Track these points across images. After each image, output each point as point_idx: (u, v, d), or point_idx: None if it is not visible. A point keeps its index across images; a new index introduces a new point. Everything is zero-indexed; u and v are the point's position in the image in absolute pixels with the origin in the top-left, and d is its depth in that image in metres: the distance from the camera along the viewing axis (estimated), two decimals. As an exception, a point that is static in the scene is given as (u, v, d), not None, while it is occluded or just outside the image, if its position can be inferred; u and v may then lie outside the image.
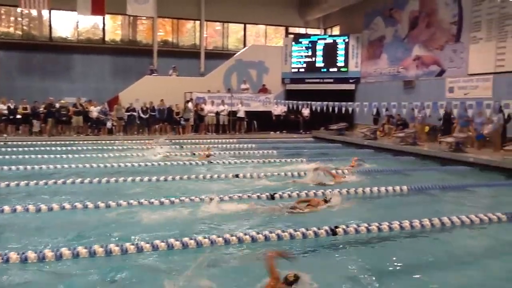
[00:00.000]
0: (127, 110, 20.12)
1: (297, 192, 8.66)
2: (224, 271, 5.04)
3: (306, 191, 8.71)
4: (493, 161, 12.36)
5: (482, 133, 14.45)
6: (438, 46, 18.44)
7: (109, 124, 19.94)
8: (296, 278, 4.21)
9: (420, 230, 6.59)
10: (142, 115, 20.19)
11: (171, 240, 5.69)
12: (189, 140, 18.62)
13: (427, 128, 17.60)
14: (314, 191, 8.77)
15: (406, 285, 4.75)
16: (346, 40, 23.73)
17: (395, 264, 5.33)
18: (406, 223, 6.64)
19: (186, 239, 5.75)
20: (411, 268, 5.17)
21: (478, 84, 16.35)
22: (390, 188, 9.24)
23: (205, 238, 5.81)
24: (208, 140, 18.55)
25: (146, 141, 17.11)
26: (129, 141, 17.64)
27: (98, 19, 23.97)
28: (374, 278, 4.85)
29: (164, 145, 15.92)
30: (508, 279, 4.91)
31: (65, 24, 24.40)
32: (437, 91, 18.01)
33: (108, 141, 17.72)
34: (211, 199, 7.69)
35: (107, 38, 24.95)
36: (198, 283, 4.43)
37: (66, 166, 11.56)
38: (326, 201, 7.66)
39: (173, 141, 17.92)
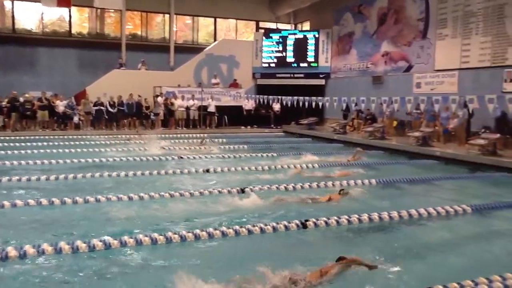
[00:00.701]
0: (95, 105, 19.70)
1: (268, 186, 8.65)
2: (194, 267, 4.99)
3: (284, 185, 8.72)
4: (458, 154, 12.69)
5: (448, 128, 14.81)
6: (405, 42, 18.77)
7: (76, 119, 19.47)
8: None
9: (388, 222, 6.70)
10: (110, 109, 19.80)
11: (140, 236, 5.60)
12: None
13: (395, 123, 17.94)
14: (293, 184, 8.79)
15: (373, 276, 4.80)
16: (316, 36, 23.89)
17: (364, 256, 5.38)
18: (375, 215, 6.73)
19: (155, 234, 5.67)
20: (379, 260, 5.23)
21: (444, 80, 16.75)
22: (359, 181, 9.36)
23: (175, 234, 5.74)
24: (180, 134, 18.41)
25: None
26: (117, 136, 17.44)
27: (64, 11, 23.36)
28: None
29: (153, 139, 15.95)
30: (471, 269, 5.03)
31: (29, 16, 23.65)
32: (405, 87, 18.36)
33: (75, 136, 17.33)
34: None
35: (73, 31, 24.35)
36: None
37: (31, 162, 11.23)
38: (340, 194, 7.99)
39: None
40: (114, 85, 20.56)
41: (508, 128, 13.51)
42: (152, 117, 20.42)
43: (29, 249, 5.11)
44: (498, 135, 12.53)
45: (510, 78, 14.24)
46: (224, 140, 17.36)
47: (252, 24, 27.97)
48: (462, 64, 16.06)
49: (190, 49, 25.41)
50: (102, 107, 19.72)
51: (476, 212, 7.28)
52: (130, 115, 20.22)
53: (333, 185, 8.97)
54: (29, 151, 13.14)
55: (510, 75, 14.25)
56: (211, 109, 21.36)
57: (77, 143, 15.59)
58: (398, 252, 5.55)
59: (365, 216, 6.68)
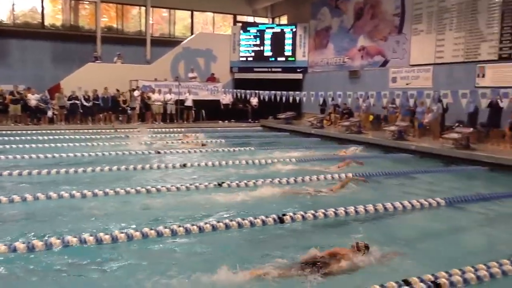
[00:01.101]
0: (69, 99, 19.30)
1: (245, 181, 8.65)
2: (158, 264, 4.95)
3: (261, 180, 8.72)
4: (433, 148, 12.92)
5: (423, 122, 15.04)
6: (382, 37, 18.96)
7: (50, 113, 19.05)
8: (367, 247, 4.81)
9: (364, 216, 6.77)
10: (85, 103, 19.42)
11: (116, 233, 5.53)
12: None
13: (371, 117, 18.13)
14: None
15: (349, 269, 4.85)
16: (294, 30, 23.91)
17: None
18: (351, 209, 6.80)
19: (131, 231, 5.61)
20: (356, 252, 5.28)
21: (419, 75, 16.99)
22: (336, 175, 9.44)
23: (151, 229, 5.68)
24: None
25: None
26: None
27: (36, 2, 22.82)
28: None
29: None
30: (445, 260, 5.12)
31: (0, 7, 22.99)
32: (381, 81, 18.56)
33: (49, 131, 17.00)
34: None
35: (46, 23, 23.76)
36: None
37: (2, 157, 10.96)
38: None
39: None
40: (89, 78, 20.18)
41: (481, 123, 13.79)
42: (128, 111, 20.13)
43: (1, 246, 5.00)
44: (471, 129, 12.79)
45: (482, 73, 14.53)
46: (202, 134, 17.28)
47: (230, 17, 27.82)
48: (436, 59, 16.32)
49: (166, 42, 25.13)
50: (77, 101, 19.33)
51: (450, 205, 7.42)
52: (105, 109, 19.89)
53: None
54: (0, 146, 12.83)
55: (482, 70, 14.54)
56: (188, 103, 21.19)
57: (51, 137, 15.29)
58: (373, 244, 5.60)
59: (341, 210, 6.74)
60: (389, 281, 4.23)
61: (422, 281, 4.30)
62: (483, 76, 14.50)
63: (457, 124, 14.05)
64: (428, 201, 7.37)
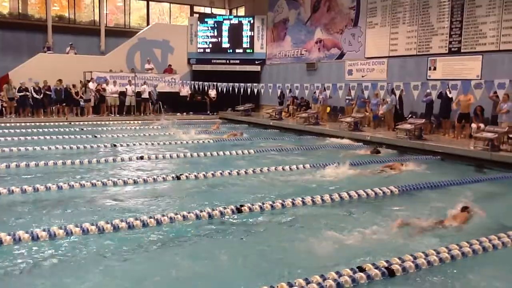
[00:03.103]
0: (19, 90, 18.50)
1: (204, 173, 8.62)
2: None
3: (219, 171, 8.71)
4: (387, 139, 13.28)
5: (377, 114, 15.42)
6: (338, 30, 19.24)
7: (-2, 106, 18.26)
8: None
9: (321, 205, 6.87)
10: (35, 95, 18.68)
11: (70, 226, 5.39)
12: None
13: (328, 109, 18.43)
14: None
15: (305, 257, 4.93)
16: (251, 22, 23.88)
17: (297, 239, 5.51)
18: (308, 199, 6.90)
19: (86, 224, 5.48)
20: (313, 242, 5.37)
21: (374, 67, 17.38)
22: (294, 166, 9.55)
23: (107, 223, 5.57)
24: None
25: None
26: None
27: (-19, -11, 21.67)
28: (279, 256, 5.00)
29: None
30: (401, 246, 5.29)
31: None
32: (337, 73, 18.88)
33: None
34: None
35: (-7, 11, 22.68)
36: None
37: None
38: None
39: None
40: (40, 69, 19.43)
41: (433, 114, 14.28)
42: (82, 103, 19.52)
43: None
44: (423, 120, 13.22)
45: (434, 66, 15.04)
46: (159, 127, 17.08)
47: (186, 8, 27.41)
48: (390, 52, 16.74)
49: (122, 33, 24.51)
50: (27, 93, 18.58)
51: (403, 193, 7.66)
52: (58, 102, 19.21)
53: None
54: None
55: (434, 63, 15.04)
56: (145, 95, 20.79)
57: (1, 131, 14.68)
58: (326, 233, 5.71)
59: (298, 200, 6.83)
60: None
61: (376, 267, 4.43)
62: (435, 69, 15.01)
63: (410, 116, 14.49)
64: (382, 190, 7.57)
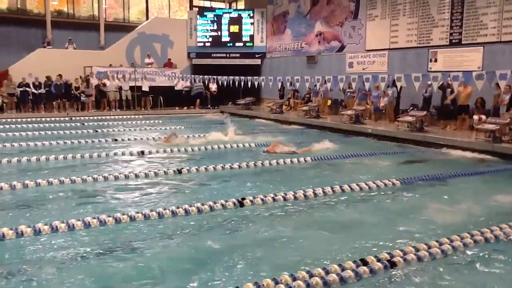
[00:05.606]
0: (19, 86, 18.48)
1: (205, 166, 8.63)
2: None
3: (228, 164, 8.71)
4: (389, 131, 13.26)
5: (379, 106, 15.39)
6: (338, 23, 19.16)
7: (-2, 101, 18.24)
8: None
9: (322, 198, 6.87)
10: (34, 90, 18.65)
11: (72, 221, 5.39)
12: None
13: (329, 102, 18.39)
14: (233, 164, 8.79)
15: (306, 251, 4.93)
16: (251, 15, 23.79)
17: (294, 231, 5.50)
18: (310, 192, 6.89)
19: (88, 218, 5.48)
20: (311, 235, 5.38)
21: (375, 60, 17.33)
22: (295, 159, 9.54)
23: (109, 216, 5.58)
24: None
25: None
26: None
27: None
28: (276, 245, 5.00)
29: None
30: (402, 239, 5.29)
31: None
32: (338, 66, 18.82)
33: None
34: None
35: (-9, 6, 22.61)
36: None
37: None
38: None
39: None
40: (40, 64, 19.42)
41: (434, 106, 14.24)
42: (83, 98, 19.49)
43: None
44: (424, 113, 13.18)
45: (435, 58, 14.98)
46: (160, 121, 17.08)
47: (186, 2, 27.35)
48: (391, 44, 16.67)
49: (121, 27, 24.46)
50: (27, 89, 18.55)
51: (404, 185, 7.65)
52: (59, 97, 19.19)
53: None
54: None
55: (435, 55, 14.99)
56: (145, 89, 20.72)
57: (1, 127, 14.68)
58: (327, 225, 5.71)
59: (300, 193, 6.83)
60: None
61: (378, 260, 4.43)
62: (436, 60, 14.95)
63: (411, 108, 14.46)
64: (384, 182, 7.56)
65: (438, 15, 14.89)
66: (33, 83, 18.67)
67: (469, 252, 4.83)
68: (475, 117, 12.29)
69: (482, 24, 13.63)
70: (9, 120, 16.49)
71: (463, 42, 14.17)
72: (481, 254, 4.80)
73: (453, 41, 14.45)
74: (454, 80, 11.30)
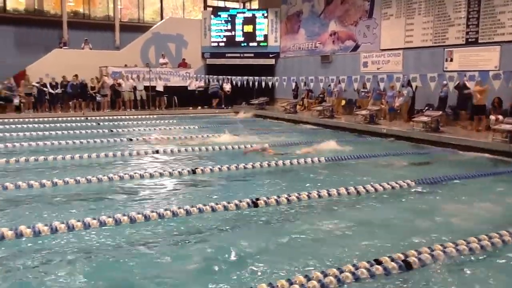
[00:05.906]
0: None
1: (218, 166, 8.66)
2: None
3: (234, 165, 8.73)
4: (403, 131, 13.15)
5: (394, 106, 15.27)
6: (352, 22, 19.06)
7: (16, 101, 18.48)
8: None
9: (337, 198, 6.85)
10: (51, 90, 18.90)
11: (88, 219, 5.46)
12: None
13: (343, 102, 18.30)
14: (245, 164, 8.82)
15: (322, 252, 4.92)
16: (265, 14, 23.79)
17: (319, 233, 5.49)
18: (324, 192, 6.87)
19: (103, 217, 5.54)
20: (331, 236, 5.36)
21: (389, 59, 17.20)
22: (308, 159, 9.52)
23: (123, 215, 5.63)
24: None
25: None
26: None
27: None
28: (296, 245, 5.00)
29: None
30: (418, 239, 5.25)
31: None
32: (352, 66, 18.72)
33: (16, 119, 16.57)
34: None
35: (8, 7, 22.91)
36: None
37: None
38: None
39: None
40: (56, 65, 19.65)
41: (450, 106, 14.08)
42: (98, 98, 19.69)
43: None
44: (440, 113, 13.05)
45: (451, 57, 14.82)
46: (175, 121, 17.19)
47: (200, 2, 27.45)
48: (406, 44, 16.53)
49: (136, 27, 24.64)
50: (45, 89, 18.80)
51: (420, 185, 7.57)
52: (75, 97, 19.41)
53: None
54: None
55: (451, 54, 14.82)
56: (159, 88, 20.85)
57: (19, 126, 14.91)
58: (344, 226, 5.69)
59: (314, 193, 6.81)
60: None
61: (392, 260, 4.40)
62: (451, 60, 14.79)
63: (426, 108, 14.33)
64: (399, 183, 7.49)
65: (454, 14, 14.72)
66: (50, 83, 18.92)
67: (485, 255, 4.78)
68: (492, 117, 12.13)
69: (500, 22, 13.44)
70: (26, 119, 16.74)
71: (479, 41, 14.00)
72: (499, 256, 4.74)
73: (470, 40, 14.27)
74: (470, 80, 11.16)
